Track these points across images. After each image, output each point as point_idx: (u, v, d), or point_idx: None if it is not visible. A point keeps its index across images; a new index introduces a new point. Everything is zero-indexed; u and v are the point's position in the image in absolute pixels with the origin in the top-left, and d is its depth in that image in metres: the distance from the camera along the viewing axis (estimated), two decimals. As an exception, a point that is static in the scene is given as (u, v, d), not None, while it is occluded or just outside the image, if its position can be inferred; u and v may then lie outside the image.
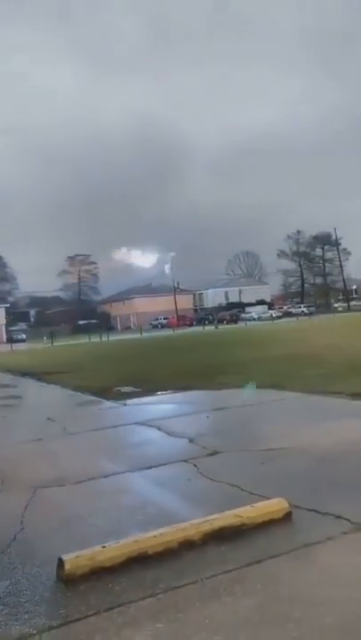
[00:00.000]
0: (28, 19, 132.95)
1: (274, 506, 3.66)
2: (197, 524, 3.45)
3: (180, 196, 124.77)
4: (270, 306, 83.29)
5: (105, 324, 79.03)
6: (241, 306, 79.36)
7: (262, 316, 70.60)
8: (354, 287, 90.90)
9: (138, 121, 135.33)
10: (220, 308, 78.97)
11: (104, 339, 47.59)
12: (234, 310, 75.24)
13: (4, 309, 75.86)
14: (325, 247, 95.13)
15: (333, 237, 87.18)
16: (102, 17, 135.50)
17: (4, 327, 72.19)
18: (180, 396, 9.75)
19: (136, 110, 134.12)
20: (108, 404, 9.67)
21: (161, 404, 9.10)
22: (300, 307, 79.15)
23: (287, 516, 3.63)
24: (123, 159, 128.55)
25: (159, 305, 79.71)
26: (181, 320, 71.42)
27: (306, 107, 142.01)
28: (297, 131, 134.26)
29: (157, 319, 77.00)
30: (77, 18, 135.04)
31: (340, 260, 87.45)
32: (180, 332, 52.23)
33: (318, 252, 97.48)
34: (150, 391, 10.42)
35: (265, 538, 3.38)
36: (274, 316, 68.37)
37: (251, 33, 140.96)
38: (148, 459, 5.43)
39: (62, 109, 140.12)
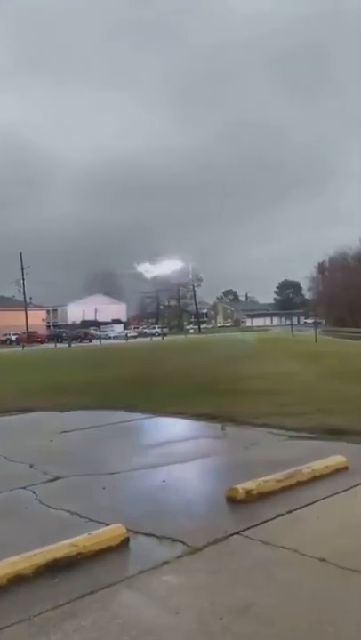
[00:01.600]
0: None
1: (111, 532, 3.61)
2: (30, 556, 3.27)
3: (44, 210, 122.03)
4: (126, 325, 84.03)
5: None
6: (97, 324, 78.91)
7: (117, 335, 70.88)
8: (204, 311, 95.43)
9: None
10: (75, 326, 77.68)
11: None
12: (89, 328, 74.52)
13: None
14: (180, 272, 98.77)
15: (188, 263, 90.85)
16: None
17: None
18: (24, 418, 9.30)
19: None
20: None
21: (4, 428, 8.58)
22: (154, 327, 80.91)
23: (124, 543, 3.59)
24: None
25: (9, 320, 75.96)
26: (33, 337, 68.75)
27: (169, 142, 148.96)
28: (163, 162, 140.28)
29: (7, 335, 73.26)
30: None
31: (192, 285, 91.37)
32: (29, 349, 50.24)
33: (174, 276, 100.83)
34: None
35: (101, 567, 3.30)
36: (129, 335, 69.01)
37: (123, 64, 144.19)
38: (-17, 486, 5.05)
39: None
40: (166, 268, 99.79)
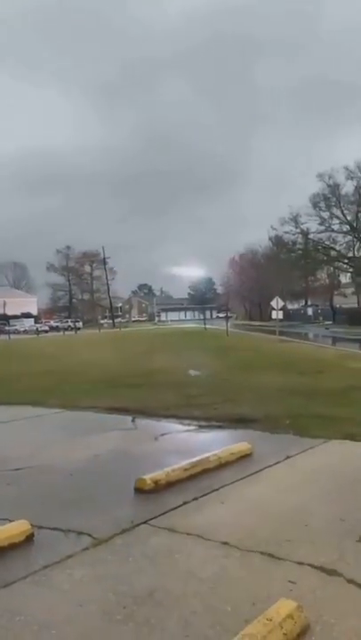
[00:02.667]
0: None
1: (15, 529, 3.52)
2: None
3: None
4: (37, 319, 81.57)
5: None
6: (5, 318, 75.91)
7: (28, 329, 68.64)
8: (119, 305, 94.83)
9: None
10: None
11: None
12: (-2, 322, 71.54)
13: None
14: (94, 264, 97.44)
15: (102, 256, 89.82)
16: None
17: None
18: None
19: None
20: None
21: None
22: (67, 321, 79.21)
23: (29, 538, 3.52)
24: None
25: None
26: None
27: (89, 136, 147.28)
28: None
29: None
30: None
31: (107, 278, 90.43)
32: None
33: (87, 268, 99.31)
34: None
35: (3, 564, 3.21)
36: (40, 329, 67.04)
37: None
38: None
39: None
40: (79, 261, 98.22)
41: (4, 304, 79.64)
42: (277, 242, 67.44)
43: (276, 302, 28.61)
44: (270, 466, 5.08)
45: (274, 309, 28.87)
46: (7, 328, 64.61)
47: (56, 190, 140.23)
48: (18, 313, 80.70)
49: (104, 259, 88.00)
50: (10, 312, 79.71)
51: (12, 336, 55.97)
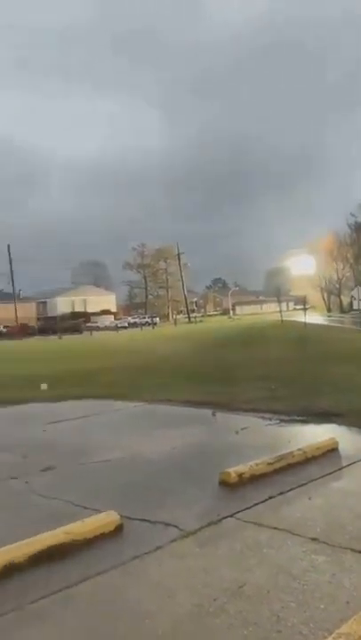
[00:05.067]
0: None
1: (104, 519, 3.63)
2: (24, 544, 3.28)
3: (34, 206, 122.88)
4: (115, 316, 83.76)
5: None
6: (86, 315, 78.54)
7: (108, 325, 70.65)
8: (194, 300, 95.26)
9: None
10: (64, 318, 77.23)
11: None
12: (79, 320, 74.13)
13: None
14: (168, 261, 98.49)
15: (175, 252, 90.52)
16: None
17: None
18: (15, 409, 9.27)
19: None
20: None
21: (-5, 419, 8.55)
22: (144, 317, 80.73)
23: (118, 529, 3.61)
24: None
25: (-2, 312, 75.49)
26: (23, 329, 68.39)
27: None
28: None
29: (-4, 327, 72.78)
30: None
31: (181, 273, 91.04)
32: (20, 342, 50.02)
33: (162, 264, 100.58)
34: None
35: (94, 554, 3.32)
36: (119, 325, 68.83)
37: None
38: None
39: None
40: (154, 257, 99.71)
41: (85, 302, 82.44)
42: (357, 228, 65.21)
43: (358, 292, 27.62)
44: (358, 461, 4.91)
45: (355, 299, 27.89)
46: (88, 325, 66.87)
47: (134, 191, 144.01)
48: (98, 310, 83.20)
49: (178, 255, 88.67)
50: (90, 309, 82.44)
51: (93, 333, 57.88)
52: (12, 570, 3.12)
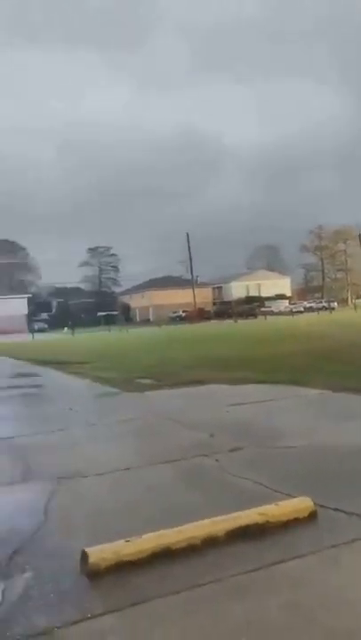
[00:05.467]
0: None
1: (299, 504, 3.61)
2: (221, 521, 3.41)
3: (205, 192, 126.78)
4: (290, 300, 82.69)
5: (124, 315, 79.28)
6: (261, 300, 78.86)
7: (282, 310, 70.11)
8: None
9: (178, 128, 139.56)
10: (239, 302, 78.53)
11: (123, 330, 47.72)
12: (253, 304, 74.76)
13: (25, 299, 76.80)
14: (348, 241, 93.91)
15: (355, 233, 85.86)
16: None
17: (25, 317, 72.95)
18: (198, 390, 9.71)
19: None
20: (127, 395, 9.68)
21: (180, 398, 9.06)
22: (320, 301, 78.33)
23: (312, 516, 3.57)
24: (155, 158, 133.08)
25: (177, 298, 79.63)
26: (200, 314, 71.24)
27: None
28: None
29: (176, 312, 76.93)
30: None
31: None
32: (198, 325, 52.15)
33: (341, 246, 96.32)
34: (169, 384, 10.41)
35: (290, 537, 3.33)
36: (294, 310, 67.83)
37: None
38: (169, 453, 5.39)
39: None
40: (332, 239, 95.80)
41: (260, 286, 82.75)
42: None
43: None
44: None
45: None
46: (263, 309, 67.10)
47: (306, 173, 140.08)
48: (272, 294, 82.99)
49: (360, 235, 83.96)
50: (264, 294, 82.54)
51: (268, 317, 57.89)
52: (211, 543, 3.27)
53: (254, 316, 66.01)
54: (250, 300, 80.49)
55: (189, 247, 75.07)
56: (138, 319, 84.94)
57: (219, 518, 3.44)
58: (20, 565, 3.17)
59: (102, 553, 3.05)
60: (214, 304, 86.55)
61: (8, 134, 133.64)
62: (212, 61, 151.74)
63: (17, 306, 72.67)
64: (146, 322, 76.96)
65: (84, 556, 3.04)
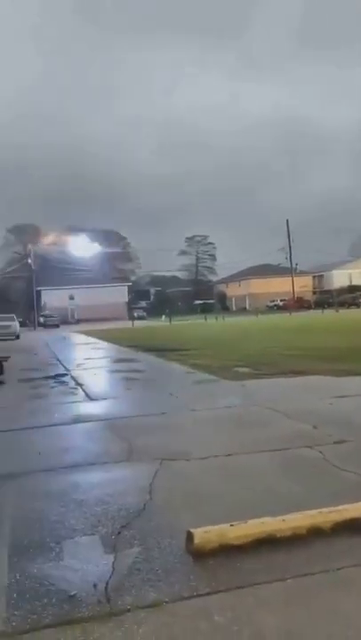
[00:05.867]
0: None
1: None
2: (327, 512, 3.34)
3: (308, 177, 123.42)
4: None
5: (220, 304, 79.41)
6: (353, 290, 75.33)
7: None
8: None
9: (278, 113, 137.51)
10: (341, 291, 75.60)
11: (219, 319, 47.88)
12: (357, 293, 71.61)
13: (126, 288, 79.46)
14: None
15: None
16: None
17: (125, 305, 75.50)
18: (298, 380, 9.51)
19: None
20: (226, 383, 9.71)
21: (280, 388, 8.93)
22: None
23: None
24: (255, 144, 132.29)
25: (275, 286, 78.31)
26: (299, 303, 69.55)
27: None
28: None
29: (273, 301, 75.75)
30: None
31: None
32: (297, 314, 51.01)
33: None
34: (268, 374, 10.30)
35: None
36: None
37: None
38: (271, 442, 5.35)
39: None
40: None
41: (351, 276, 79.16)
42: None
43: None
44: None
45: None
46: (359, 300, 64.17)
47: None
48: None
49: None
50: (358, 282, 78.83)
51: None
52: (316, 534, 3.22)
53: (357, 305, 63.18)
54: (353, 289, 77.11)
55: (289, 234, 73.29)
56: (234, 308, 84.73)
57: (325, 510, 3.37)
58: (128, 540, 3.31)
59: (207, 534, 3.10)
60: (314, 293, 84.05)
61: (108, 124, 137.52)
62: (314, 43, 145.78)
63: (118, 294, 75.37)
64: (242, 310, 76.58)
65: (190, 536, 3.12)
